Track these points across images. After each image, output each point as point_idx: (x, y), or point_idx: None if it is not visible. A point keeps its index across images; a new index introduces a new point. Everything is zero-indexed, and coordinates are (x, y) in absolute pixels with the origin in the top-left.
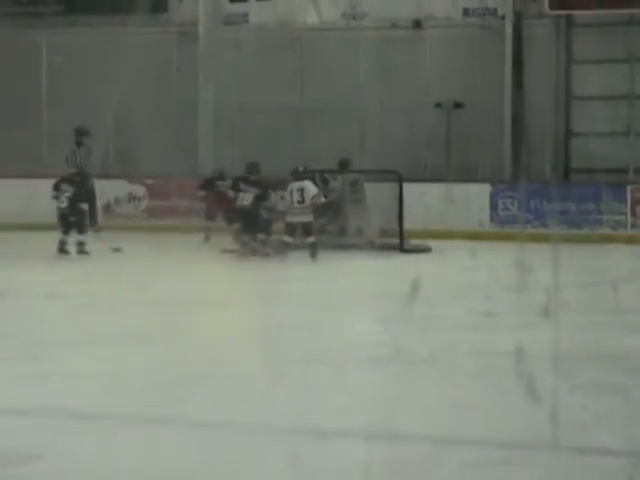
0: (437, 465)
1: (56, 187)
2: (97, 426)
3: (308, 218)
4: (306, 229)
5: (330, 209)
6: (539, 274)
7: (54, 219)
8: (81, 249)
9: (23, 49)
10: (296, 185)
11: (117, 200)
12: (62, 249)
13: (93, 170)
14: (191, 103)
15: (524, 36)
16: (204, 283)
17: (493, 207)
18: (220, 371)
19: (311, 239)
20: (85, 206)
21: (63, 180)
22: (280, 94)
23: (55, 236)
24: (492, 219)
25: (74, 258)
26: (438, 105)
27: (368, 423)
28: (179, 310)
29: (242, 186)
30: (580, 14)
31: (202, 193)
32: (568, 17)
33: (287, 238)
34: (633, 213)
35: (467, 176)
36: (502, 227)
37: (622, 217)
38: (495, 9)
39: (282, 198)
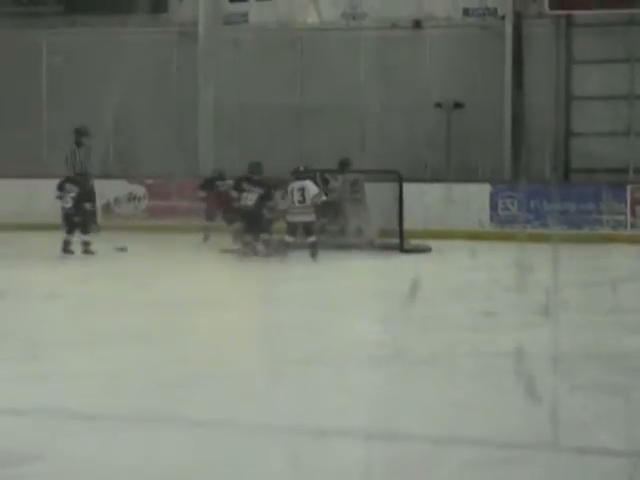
0: (437, 465)
1: (60, 187)
2: (97, 426)
3: (309, 218)
4: (307, 229)
5: (330, 209)
6: (539, 274)
7: (55, 219)
8: (86, 249)
9: (23, 49)
10: (297, 185)
11: (117, 200)
12: (66, 249)
13: (93, 170)
14: (191, 103)
15: (524, 36)
16: (204, 283)
17: (493, 207)
18: (220, 371)
19: (312, 239)
20: (89, 206)
21: (67, 180)
22: (280, 94)
23: (55, 236)
24: (492, 219)
25: (74, 258)
26: (438, 105)
27: (368, 423)
28: (179, 310)
29: (245, 186)
30: (580, 14)
31: (202, 193)
32: (568, 17)
33: (288, 238)
34: (633, 213)
35: (467, 176)
36: (502, 227)
37: (622, 217)
38: (495, 9)
39: (283, 198)
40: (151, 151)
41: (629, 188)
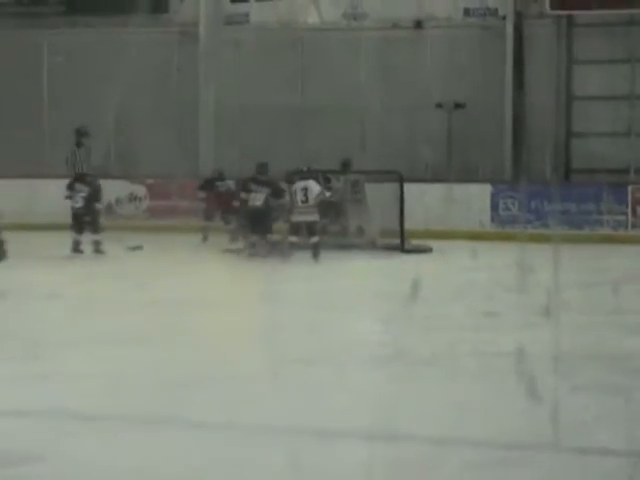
0: (438, 465)
1: (70, 187)
2: (97, 427)
3: (313, 217)
4: (310, 228)
5: (332, 209)
6: (540, 274)
7: (56, 219)
8: (97, 248)
9: (24, 49)
10: (300, 185)
11: (118, 200)
12: (76, 249)
13: (92, 171)
14: (192, 103)
15: (525, 36)
16: (206, 283)
17: (494, 207)
18: (221, 371)
19: (314, 239)
20: (99, 206)
21: (77, 180)
22: (281, 94)
23: (56, 236)
24: (493, 219)
25: (74, 258)
26: (439, 105)
27: (369, 423)
28: (180, 310)
29: (252, 186)
30: (581, 14)
31: (202, 194)
32: (569, 17)
33: (292, 238)
34: (634, 213)
35: (468, 176)
36: (503, 227)
37: (623, 217)
38: (496, 9)
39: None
40: (152, 151)
41: (630, 188)
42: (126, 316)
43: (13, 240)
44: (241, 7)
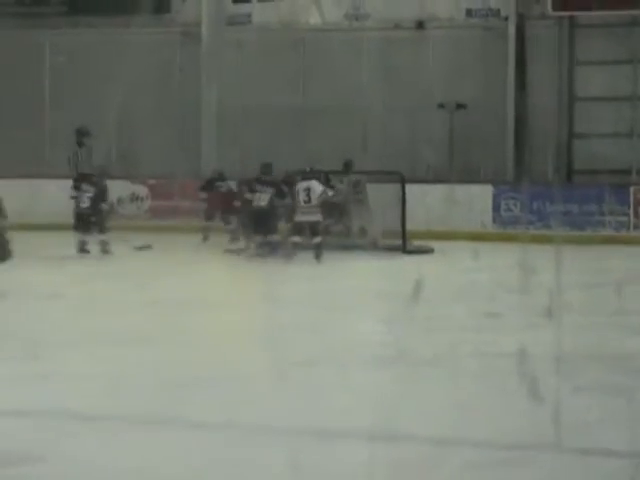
0: (440, 466)
1: (77, 187)
2: (98, 427)
3: (316, 217)
4: (313, 229)
5: (335, 210)
6: (542, 275)
7: (57, 219)
8: (104, 248)
9: (26, 49)
10: (303, 185)
11: (120, 200)
12: (82, 249)
13: (99, 171)
14: (194, 103)
15: (527, 37)
16: (207, 283)
17: (495, 208)
18: (223, 372)
19: (317, 239)
20: (106, 206)
21: (84, 180)
22: (283, 95)
23: (57, 236)
24: (494, 220)
25: (79, 258)
26: (441, 106)
27: (371, 423)
28: (181, 310)
29: (257, 187)
30: (583, 15)
31: (203, 194)
32: (571, 18)
33: (296, 238)
34: (636, 214)
35: (469, 177)
36: (504, 228)
37: (625, 218)
38: (498, 10)
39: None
40: (154, 151)
41: (632, 189)
42: (126, 316)
43: (14, 240)
44: (243, 7)
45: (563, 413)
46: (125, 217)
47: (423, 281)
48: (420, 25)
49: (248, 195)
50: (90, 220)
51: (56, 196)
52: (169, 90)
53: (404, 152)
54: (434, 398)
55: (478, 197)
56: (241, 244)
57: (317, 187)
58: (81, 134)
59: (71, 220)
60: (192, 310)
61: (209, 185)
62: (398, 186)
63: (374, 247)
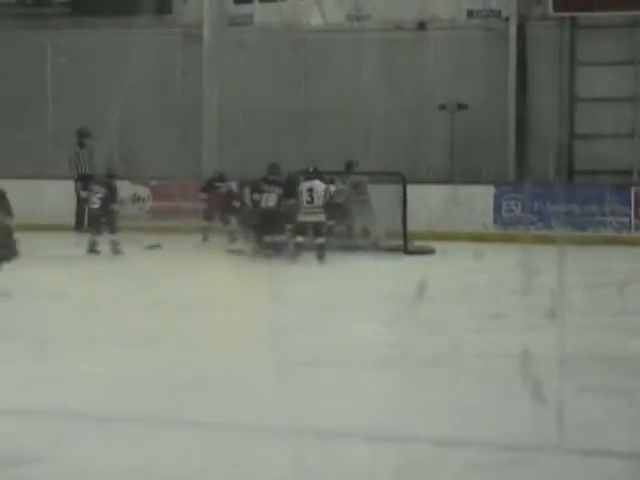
0: (442, 467)
1: (87, 188)
2: (99, 427)
3: (319, 218)
4: (317, 229)
5: (337, 211)
6: (544, 276)
7: (57, 219)
8: (115, 248)
9: (28, 50)
10: (306, 185)
11: (121, 201)
12: (92, 249)
13: (93, 171)
14: (195, 104)
15: (528, 38)
16: (210, 283)
17: (497, 209)
18: (225, 372)
19: (320, 240)
20: (116, 206)
21: (94, 181)
22: (284, 96)
23: (58, 236)
24: (496, 221)
25: (76, 258)
26: (442, 107)
27: (374, 424)
28: (184, 311)
29: (265, 187)
30: (584, 16)
31: (203, 195)
32: (572, 19)
33: (300, 239)
34: (637, 215)
35: (471, 178)
36: (506, 229)
37: (626, 219)
38: (499, 11)
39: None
40: (155, 152)
41: (633, 190)
42: (131, 317)
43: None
44: (245, 8)
45: (566, 414)
46: (127, 218)
47: (425, 282)
48: (421, 26)
49: (255, 195)
50: (101, 220)
51: (57, 197)
52: (171, 91)
53: (405, 153)
54: (437, 399)
55: (479, 198)
56: (240, 244)
57: (320, 187)
58: (82, 135)
59: (71, 220)
60: (195, 310)
61: (209, 186)
62: (399, 187)
63: (375, 247)
